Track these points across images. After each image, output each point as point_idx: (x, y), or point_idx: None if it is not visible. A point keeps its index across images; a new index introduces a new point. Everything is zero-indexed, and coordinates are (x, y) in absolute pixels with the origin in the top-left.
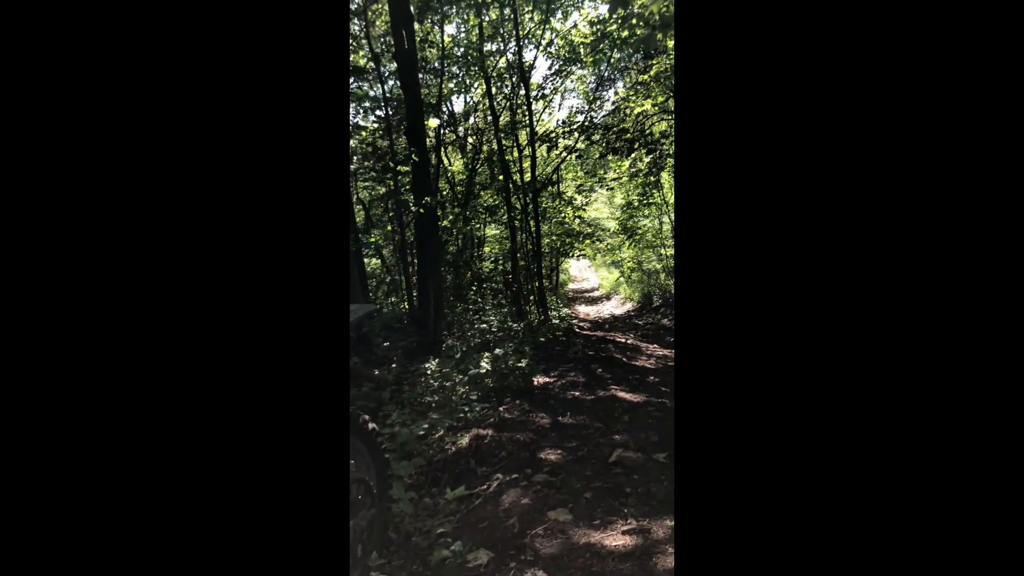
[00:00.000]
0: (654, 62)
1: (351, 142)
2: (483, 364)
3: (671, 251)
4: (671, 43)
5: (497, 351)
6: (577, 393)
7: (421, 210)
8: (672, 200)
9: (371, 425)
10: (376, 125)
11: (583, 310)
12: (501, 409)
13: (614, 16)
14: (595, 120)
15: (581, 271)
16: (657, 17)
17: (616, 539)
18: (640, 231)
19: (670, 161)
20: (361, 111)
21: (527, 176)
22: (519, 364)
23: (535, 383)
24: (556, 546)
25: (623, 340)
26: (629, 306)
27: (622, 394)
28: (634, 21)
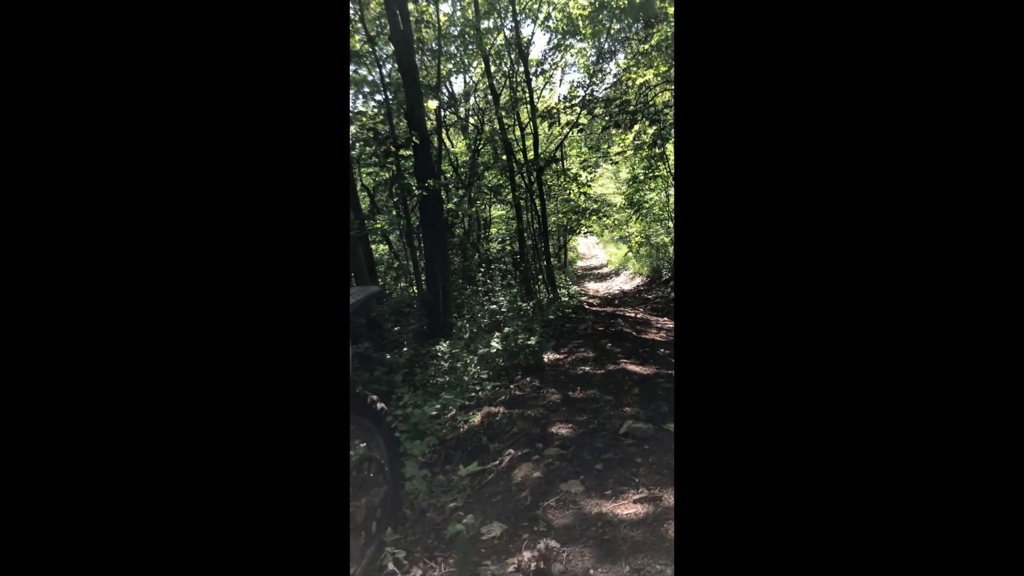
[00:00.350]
0: (654, 31)
1: (352, 128)
2: (493, 343)
3: None
4: (671, 9)
5: (507, 330)
6: (587, 368)
7: (424, 193)
8: None
9: (380, 405)
10: (376, 110)
11: (592, 287)
12: (512, 387)
13: None
14: (597, 94)
15: (590, 248)
16: None
17: (627, 508)
18: (647, 205)
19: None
20: (360, 96)
21: (530, 154)
22: (529, 342)
23: (546, 360)
24: (568, 517)
25: (633, 315)
26: (638, 281)
27: (632, 367)
28: None
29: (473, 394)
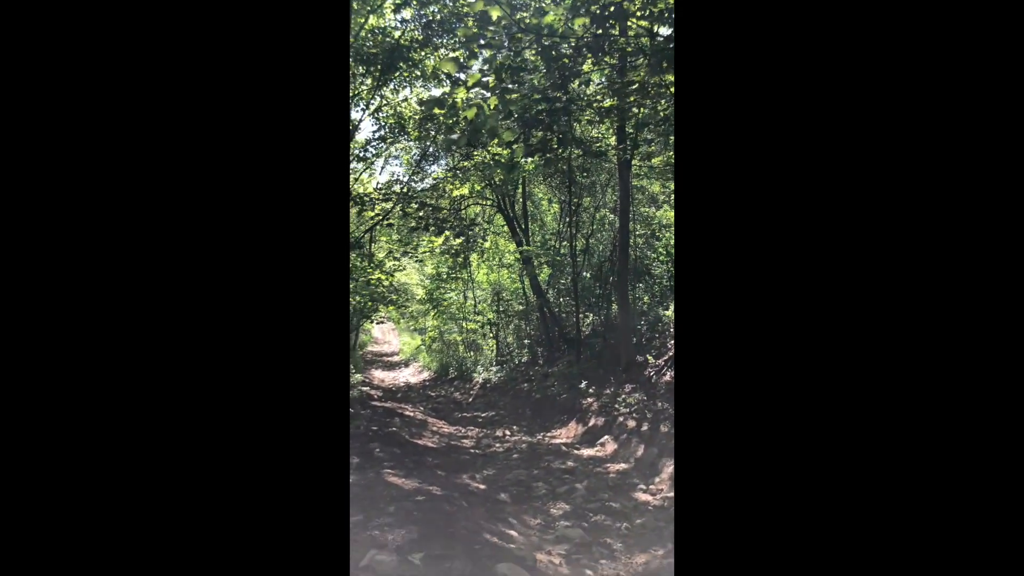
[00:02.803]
0: (476, 152)
1: None
2: None
3: (472, 325)
4: (493, 143)
5: None
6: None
7: None
8: (478, 278)
9: None
10: None
11: (379, 375)
12: None
13: (434, 110)
14: (415, 189)
15: (384, 333)
16: (470, 120)
17: None
18: (446, 302)
19: (479, 243)
20: None
21: None
22: None
23: None
24: None
25: (411, 413)
26: (426, 375)
27: (393, 479)
28: (462, 117)
29: None
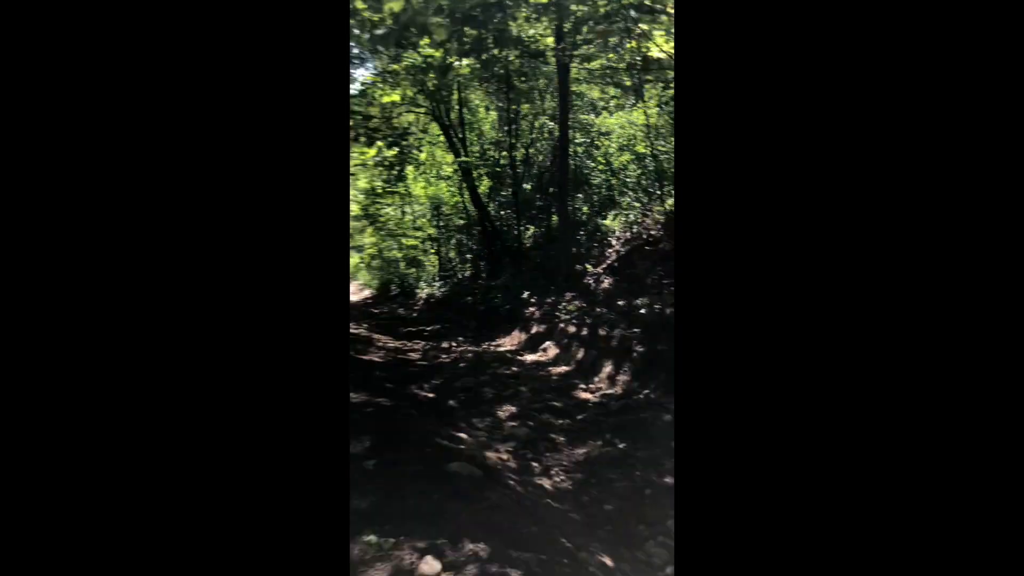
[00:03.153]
0: (406, 54)
1: None
2: None
3: (412, 241)
4: (424, 42)
5: None
6: None
7: None
8: (415, 192)
9: None
10: None
11: None
12: None
13: (357, 3)
14: None
15: None
16: (396, 14)
17: None
18: (383, 218)
19: (415, 154)
20: None
21: None
22: None
23: None
24: None
25: (355, 331)
26: (367, 293)
27: None
28: (387, 11)
29: None
